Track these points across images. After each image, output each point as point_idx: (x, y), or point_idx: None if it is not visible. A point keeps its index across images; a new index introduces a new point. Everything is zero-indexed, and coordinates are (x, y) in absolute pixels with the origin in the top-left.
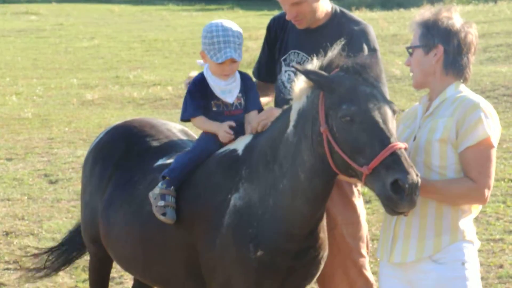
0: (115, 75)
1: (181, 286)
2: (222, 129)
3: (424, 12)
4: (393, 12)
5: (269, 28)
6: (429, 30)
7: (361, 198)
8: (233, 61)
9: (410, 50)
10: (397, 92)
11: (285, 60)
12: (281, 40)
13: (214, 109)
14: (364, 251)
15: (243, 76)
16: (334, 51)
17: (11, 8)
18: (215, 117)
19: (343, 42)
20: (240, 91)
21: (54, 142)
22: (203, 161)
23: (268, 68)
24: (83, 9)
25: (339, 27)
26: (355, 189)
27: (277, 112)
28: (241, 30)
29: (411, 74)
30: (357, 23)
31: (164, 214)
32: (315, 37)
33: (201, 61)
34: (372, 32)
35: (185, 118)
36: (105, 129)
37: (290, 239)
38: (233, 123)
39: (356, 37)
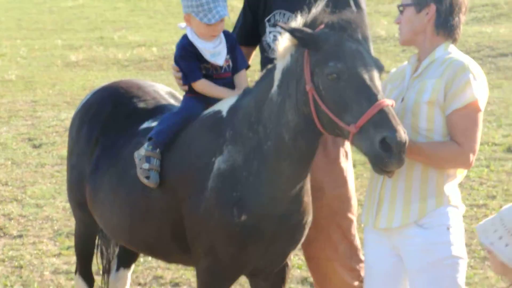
0: (100, 35)
1: (166, 251)
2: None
3: None
4: None
5: None
6: None
7: (350, 160)
8: (222, 19)
9: (401, 8)
10: (382, 52)
11: (269, 20)
12: (264, 0)
13: (203, 72)
14: (350, 214)
15: (227, 35)
16: (318, 8)
17: None
18: None
19: None
20: (228, 52)
21: (38, 105)
22: (189, 123)
23: (250, 31)
24: None
25: None
26: (342, 150)
27: None
28: None
29: (399, 31)
30: None
31: (147, 178)
32: None
33: (182, 24)
34: None
35: (189, 82)
36: (92, 90)
37: (274, 203)
38: None
39: None
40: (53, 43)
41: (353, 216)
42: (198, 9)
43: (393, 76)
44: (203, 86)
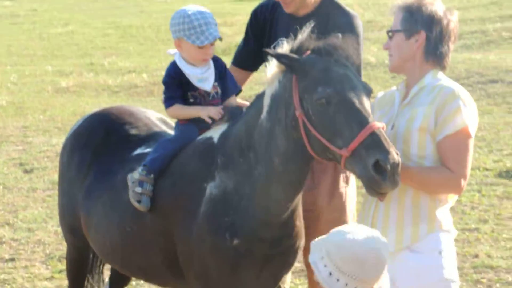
0: (90, 62)
1: (159, 276)
2: (209, 110)
3: None
4: None
5: (256, 15)
6: (412, 15)
7: (351, 184)
8: (212, 43)
9: (390, 34)
10: (372, 79)
11: (275, 48)
12: (269, 27)
13: (191, 100)
14: None
15: (215, 61)
16: (304, 34)
17: None
18: None
19: (312, 24)
20: (216, 79)
21: (29, 130)
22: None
23: (251, 56)
24: None
25: (326, 16)
26: (342, 176)
27: None
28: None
29: (389, 57)
30: (345, 13)
31: (139, 202)
32: (304, 25)
33: (172, 50)
34: (359, 23)
35: (167, 108)
36: (83, 116)
37: (266, 227)
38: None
39: (342, 30)
40: (44, 69)
41: None
42: (190, 31)
43: (381, 102)
44: (176, 110)
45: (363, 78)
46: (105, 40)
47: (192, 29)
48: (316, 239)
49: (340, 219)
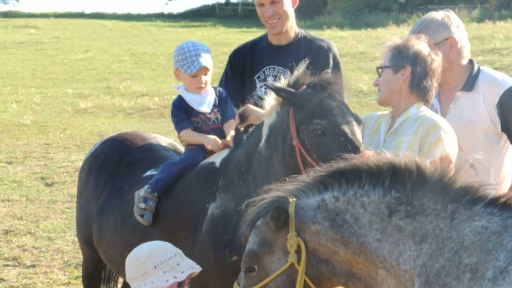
0: (107, 85)
1: None
2: (211, 139)
3: (396, 39)
4: (361, 31)
5: (234, 57)
6: (400, 52)
7: None
8: (205, 73)
9: (380, 71)
10: (364, 106)
11: (259, 77)
12: (250, 62)
13: (194, 125)
14: None
15: (216, 90)
16: (299, 70)
17: (12, 22)
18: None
19: (307, 62)
20: (216, 105)
21: (50, 147)
22: (187, 172)
23: (236, 92)
24: (78, 24)
25: (307, 43)
26: None
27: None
28: (208, 48)
29: (378, 92)
30: (322, 40)
31: (142, 216)
32: (287, 52)
33: (176, 85)
34: (335, 48)
35: (178, 132)
36: (101, 140)
37: None
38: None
39: (323, 52)
40: (65, 92)
41: None
42: (183, 62)
43: (369, 132)
44: (187, 134)
45: (356, 105)
46: (121, 66)
47: (184, 59)
48: None
49: None
